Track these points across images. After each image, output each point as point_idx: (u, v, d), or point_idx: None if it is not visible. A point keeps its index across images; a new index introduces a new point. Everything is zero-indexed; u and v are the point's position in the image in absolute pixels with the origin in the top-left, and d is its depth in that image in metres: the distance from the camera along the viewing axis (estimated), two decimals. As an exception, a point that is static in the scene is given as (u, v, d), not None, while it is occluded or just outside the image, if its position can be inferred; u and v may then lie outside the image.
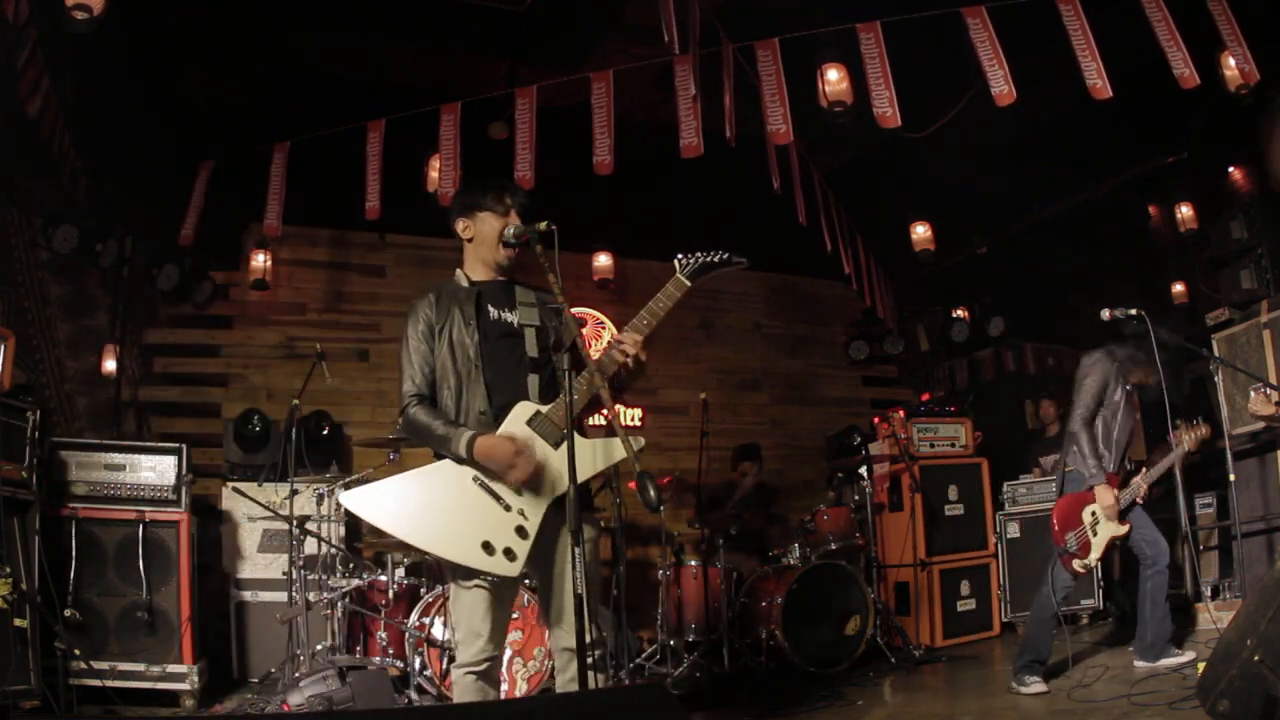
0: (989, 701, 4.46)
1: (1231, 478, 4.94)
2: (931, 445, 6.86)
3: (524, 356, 3.06)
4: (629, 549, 6.56)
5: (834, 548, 6.15)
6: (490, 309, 3.10)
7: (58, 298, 6.43)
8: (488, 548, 2.82)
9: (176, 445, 5.42)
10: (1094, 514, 4.55)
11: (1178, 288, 8.07)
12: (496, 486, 2.90)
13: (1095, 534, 4.54)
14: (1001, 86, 4.87)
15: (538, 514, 2.90)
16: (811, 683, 5.43)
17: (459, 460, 2.92)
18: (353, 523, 6.42)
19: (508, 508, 2.88)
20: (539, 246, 2.98)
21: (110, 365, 6.58)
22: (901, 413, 6.89)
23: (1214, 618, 4.96)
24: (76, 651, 4.60)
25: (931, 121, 6.02)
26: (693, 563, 6.19)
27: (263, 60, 6.07)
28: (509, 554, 2.84)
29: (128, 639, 5.03)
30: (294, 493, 5.30)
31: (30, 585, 4.47)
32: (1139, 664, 4.59)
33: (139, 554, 5.10)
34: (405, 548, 5.21)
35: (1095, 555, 4.53)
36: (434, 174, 5.85)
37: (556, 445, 2.92)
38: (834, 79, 5.07)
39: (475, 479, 2.90)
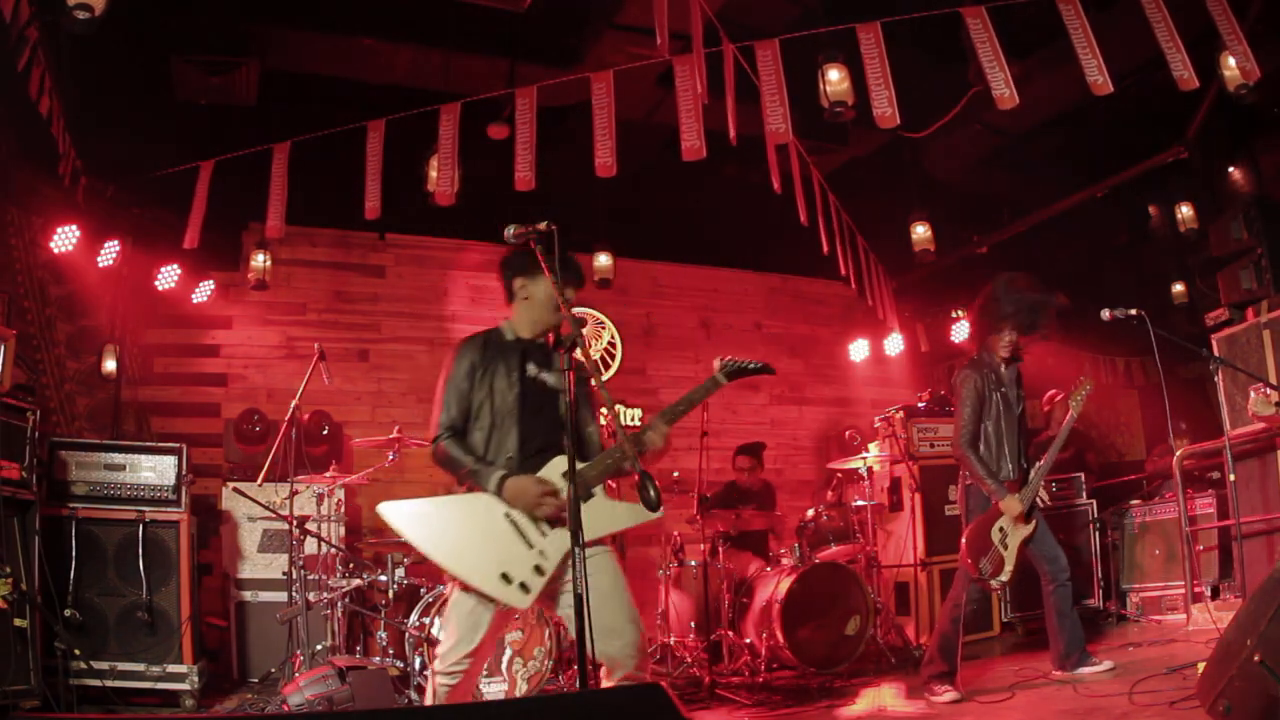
0: (989, 701, 4.46)
1: (1231, 478, 4.94)
2: (931, 445, 6.84)
3: (557, 414, 3.18)
4: (629, 549, 6.55)
5: (834, 548, 6.15)
6: (531, 367, 3.27)
7: (58, 298, 6.43)
8: (506, 578, 2.99)
9: (176, 445, 5.42)
10: (1001, 528, 4.60)
11: (1178, 288, 8.07)
12: (524, 526, 3.05)
13: (1006, 547, 4.58)
14: (1002, 89, 4.85)
15: (558, 557, 3.03)
16: (811, 682, 5.42)
17: None
18: (353, 523, 6.43)
19: (530, 546, 3.04)
20: (539, 247, 2.98)
21: (110, 365, 6.58)
22: (902, 413, 6.89)
23: (1214, 618, 4.96)
24: (76, 651, 4.60)
25: (931, 121, 6.02)
26: (693, 563, 6.19)
27: (263, 60, 6.07)
28: (524, 587, 3.00)
29: (128, 639, 5.03)
30: (294, 493, 5.31)
31: (30, 585, 4.47)
32: (1056, 673, 4.69)
33: (139, 554, 5.10)
34: (405, 547, 5.21)
35: (1010, 567, 4.57)
36: (434, 174, 5.84)
37: (586, 500, 3.04)
38: (834, 79, 5.06)
39: (506, 515, 3.06)
